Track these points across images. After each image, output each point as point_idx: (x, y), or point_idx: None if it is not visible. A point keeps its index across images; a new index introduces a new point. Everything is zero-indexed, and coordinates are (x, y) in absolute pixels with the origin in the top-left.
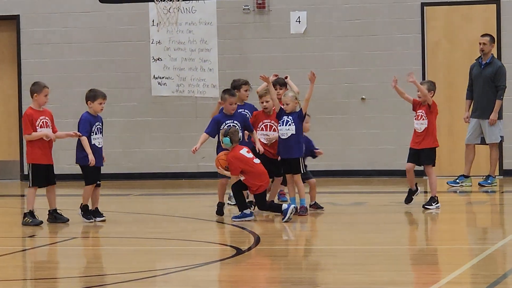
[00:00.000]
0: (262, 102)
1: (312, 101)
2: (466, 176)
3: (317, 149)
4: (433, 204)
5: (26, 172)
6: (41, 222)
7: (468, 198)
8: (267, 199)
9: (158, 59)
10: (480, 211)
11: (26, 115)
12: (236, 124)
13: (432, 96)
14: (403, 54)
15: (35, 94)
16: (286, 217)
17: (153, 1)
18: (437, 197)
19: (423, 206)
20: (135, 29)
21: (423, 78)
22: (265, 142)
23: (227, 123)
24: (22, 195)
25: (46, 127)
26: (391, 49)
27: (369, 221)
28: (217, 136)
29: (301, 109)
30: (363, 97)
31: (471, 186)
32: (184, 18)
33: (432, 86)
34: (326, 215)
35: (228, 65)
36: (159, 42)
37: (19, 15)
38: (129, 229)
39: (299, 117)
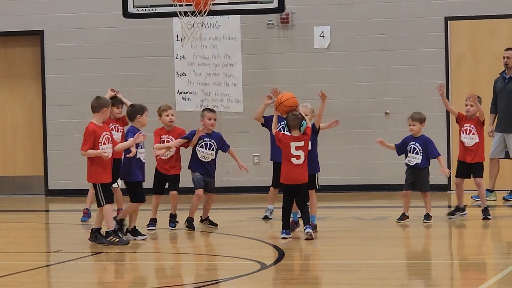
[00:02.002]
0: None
1: (336, 115)
2: (491, 191)
3: None
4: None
5: (50, 188)
6: (128, 243)
7: (493, 213)
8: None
9: (182, 74)
10: (505, 225)
11: (88, 131)
12: (213, 143)
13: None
14: (427, 68)
15: (104, 108)
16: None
17: (177, 16)
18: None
19: (483, 218)
20: (159, 44)
21: (448, 92)
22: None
23: (205, 140)
24: (46, 210)
25: (109, 143)
26: (415, 63)
27: (393, 235)
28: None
29: (313, 123)
30: (387, 111)
31: (495, 200)
32: (208, 33)
33: (480, 101)
34: (350, 230)
35: (252, 80)
36: (183, 57)
37: (43, 30)
38: (153, 245)
39: (313, 132)
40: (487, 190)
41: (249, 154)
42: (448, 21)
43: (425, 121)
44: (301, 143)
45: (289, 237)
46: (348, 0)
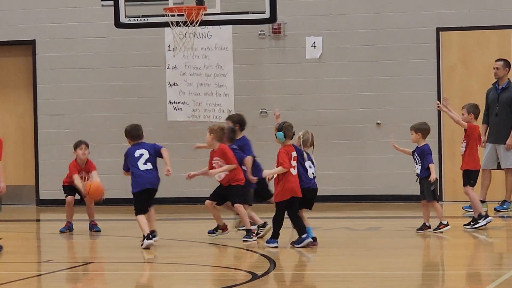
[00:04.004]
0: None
1: (327, 126)
2: (482, 201)
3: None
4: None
5: (41, 197)
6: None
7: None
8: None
9: (174, 84)
10: (496, 236)
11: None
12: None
13: (473, 118)
14: (419, 79)
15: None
16: (300, 245)
17: (169, 27)
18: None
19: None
20: (151, 54)
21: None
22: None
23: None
24: (38, 220)
25: None
26: (406, 74)
27: (384, 246)
28: None
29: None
30: (379, 122)
31: (487, 211)
32: (200, 43)
33: (471, 109)
34: (342, 240)
35: (244, 90)
36: (175, 67)
37: (35, 40)
38: (145, 254)
39: None
40: (480, 201)
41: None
42: (440, 32)
43: (423, 131)
44: (295, 153)
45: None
46: (340, 11)
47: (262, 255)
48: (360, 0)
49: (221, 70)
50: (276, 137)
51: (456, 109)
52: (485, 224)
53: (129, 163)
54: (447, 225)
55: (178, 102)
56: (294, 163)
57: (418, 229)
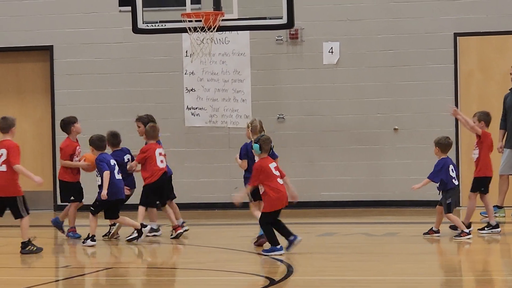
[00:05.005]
0: None
1: (345, 131)
2: (500, 207)
3: None
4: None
5: (59, 203)
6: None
7: (502, 229)
8: None
9: (191, 90)
10: None
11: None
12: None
13: (484, 126)
14: (436, 84)
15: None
16: (290, 248)
17: (187, 32)
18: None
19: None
20: (169, 59)
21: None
22: None
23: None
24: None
25: None
26: (424, 79)
27: (402, 251)
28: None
29: None
30: (396, 127)
31: (504, 217)
32: (218, 49)
33: (482, 116)
34: (359, 246)
35: (261, 96)
36: (192, 73)
37: (52, 45)
38: (163, 260)
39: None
40: (496, 206)
41: None
42: (457, 37)
43: (440, 146)
44: (275, 164)
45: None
46: (357, 16)
47: (280, 260)
48: (377, 5)
49: (238, 75)
50: (253, 148)
51: (471, 115)
52: (490, 233)
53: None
54: (469, 233)
55: (196, 108)
56: (277, 172)
57: (425, 233)
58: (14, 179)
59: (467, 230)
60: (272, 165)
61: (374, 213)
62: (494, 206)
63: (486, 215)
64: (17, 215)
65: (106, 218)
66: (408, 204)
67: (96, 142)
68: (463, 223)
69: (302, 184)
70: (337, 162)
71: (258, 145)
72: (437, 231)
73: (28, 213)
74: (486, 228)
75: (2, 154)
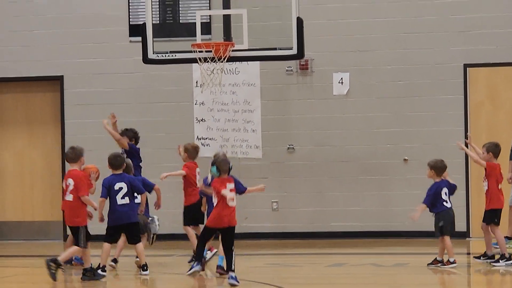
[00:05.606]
0: None
1: (354, 161)
2: (510, 238)
3: None
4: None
5: (69, 233)
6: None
7: None
8: None
9: (201, 120)
10: None
11: None
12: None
13: (493, 157)
14: (446, 115)
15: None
16: (189, 272)
17: (197, 63)
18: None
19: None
20: (179, 90)
21: (466, 139)
22: None
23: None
24: None
25: None
26: (433, 110)
27: (411, 282)
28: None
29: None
30: (405, 158)
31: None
32: (228, 79)
33: (491, 148)
34: (368, 276)
35: (271, 126)
36: (202, 103)
37: (62, 75)
38: None
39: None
40: (506, 237)
41: (268, 200)
42: (467, 68)
43: (436, 169)
44: (233, 185)
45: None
46: (367, 47)
47: None
48: (387, 36)
49: (248, 106)
50: (210, 171)
51: (481, 145)
52: (504, 266)
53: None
54: (453, 262)
55: (206, 138)
56: (231, 194)
57: (429, 264)
58: (80, 209)
59: (452, 259)
60: (228, 186)
61: (384, 243)
62: (504, 237)
63: (498, 246)
64: (77, 244)
65: (129, 243)
66: (417, 235)
67: (111, 161)
68: (486, 253)
69: (312, 214)
70: (347, 193)
71: (215, 167)
72: (441, 261)
73: (86, 246)
74: (500, 260)
75: (69, 184)
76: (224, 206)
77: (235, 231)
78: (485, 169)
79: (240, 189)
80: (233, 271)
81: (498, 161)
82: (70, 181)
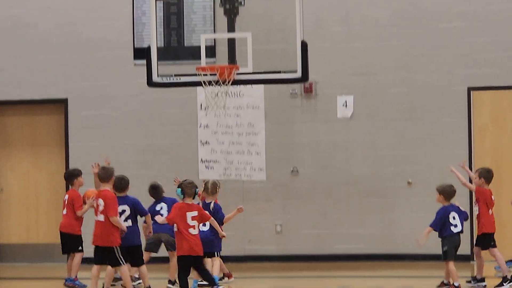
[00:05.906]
0: None
1: (358, 184)
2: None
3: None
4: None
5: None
6: None
7: None
8: None
9: (205, 143)
10: None
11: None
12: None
13: (484, 183)
14: (450, 138)
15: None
16: None
17: (202, 86)
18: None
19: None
20: (183, 113)
21: (470, 162)
22: None
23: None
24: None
25: None
26: (437, 133)
27: None
28: None
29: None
30: (409, 180)
31: None
32: (232, 102)
33: (483, 173)
34: None
35: (275, 149)
36: (206, 126)
37: (67, 98)
38: None
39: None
40: (510, 261)
41: (272, 223)
42: (471, 91)
43: (444, 193)
44: (195, 213)
45: None
46: (371, 70)
47: None
48: (390, 59)
49: (252, 128)
50: (176, 193)
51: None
52: None
53: None
54: (458, 287)
55: (210, 161)
56: (193, 222)
57: (438, 286)
58: (112, 229)
59: (457, 284)
60: (190, 214)
61: (388, 266)
62: (508, 261)
63: (500, 269)
64: (116, 263)
65: (132, 266)
66: (421, 258)
67: (115, 183)
68: (475, 277)
69: (315, 236)
70: (351, 215)
71: (180, 189)
72: (447, 284)
73: (125, 263)
74: (504, 283)
75: (100, 205)
76: (181, 233)
77: (238, 253)
78: (474, 193)
79: (219, 218)
80: (217, 285)
81: (501, 183)
82: (101, 202)
